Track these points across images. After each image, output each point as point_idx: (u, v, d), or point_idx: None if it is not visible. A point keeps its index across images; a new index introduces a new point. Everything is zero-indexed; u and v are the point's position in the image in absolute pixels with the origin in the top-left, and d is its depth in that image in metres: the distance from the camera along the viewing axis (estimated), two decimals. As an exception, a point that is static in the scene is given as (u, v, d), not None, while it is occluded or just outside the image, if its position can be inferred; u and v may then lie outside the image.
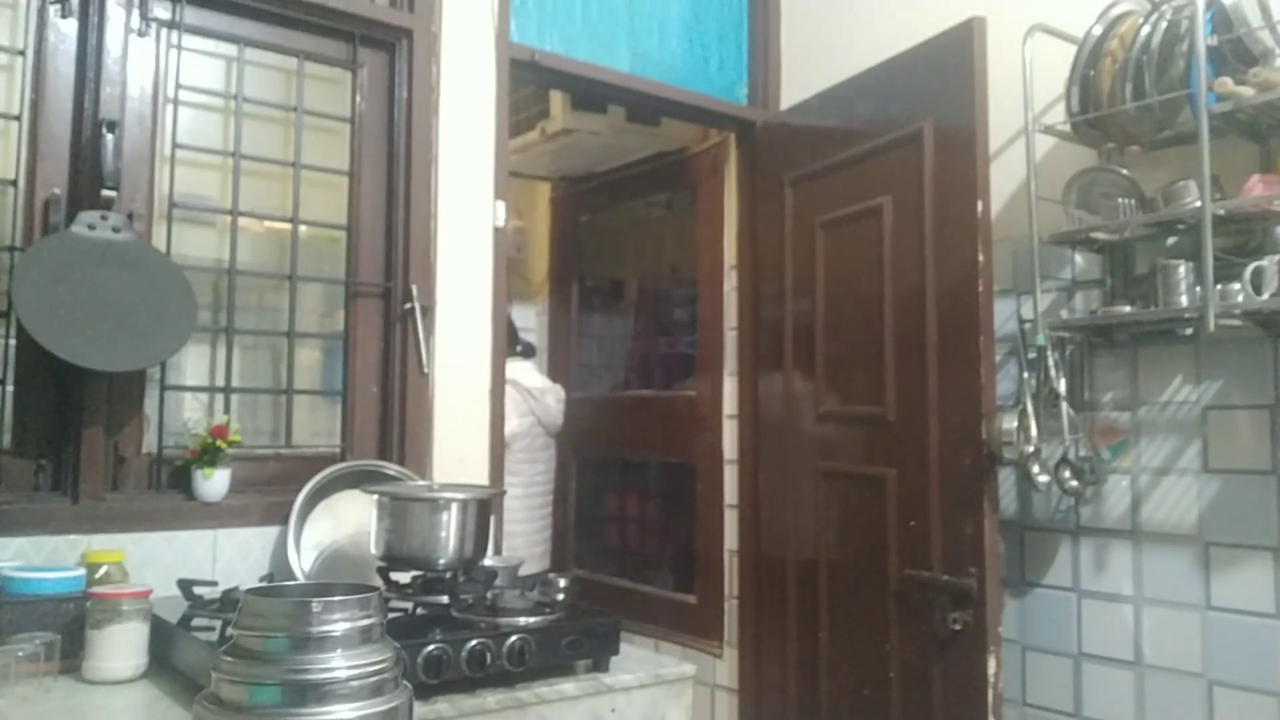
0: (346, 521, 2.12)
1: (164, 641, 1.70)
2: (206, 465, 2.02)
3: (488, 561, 1.98)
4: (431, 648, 1.57)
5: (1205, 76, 1.92)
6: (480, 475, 2.41)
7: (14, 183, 1.95)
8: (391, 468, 2.25)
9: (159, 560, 1.95)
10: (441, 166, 2.40)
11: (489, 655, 1.62)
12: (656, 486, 3.67)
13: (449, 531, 1.80)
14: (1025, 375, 2.30)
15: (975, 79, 2.25)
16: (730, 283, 3.19)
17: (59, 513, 1.89)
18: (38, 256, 1.86)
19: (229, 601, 1.71)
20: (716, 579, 3.18)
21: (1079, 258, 2.37)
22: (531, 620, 1.73)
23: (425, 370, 2.34)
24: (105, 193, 1.93)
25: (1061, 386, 2.26)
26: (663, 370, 3.73)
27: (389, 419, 2.34)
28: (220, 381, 2.17)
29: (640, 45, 2.91)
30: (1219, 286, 1.93)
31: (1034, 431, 2.22)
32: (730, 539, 3.12)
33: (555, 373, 4.10)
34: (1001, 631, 2.20)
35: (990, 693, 2.14)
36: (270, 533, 2.09)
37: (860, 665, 2.50)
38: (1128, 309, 2.15)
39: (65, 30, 2.00)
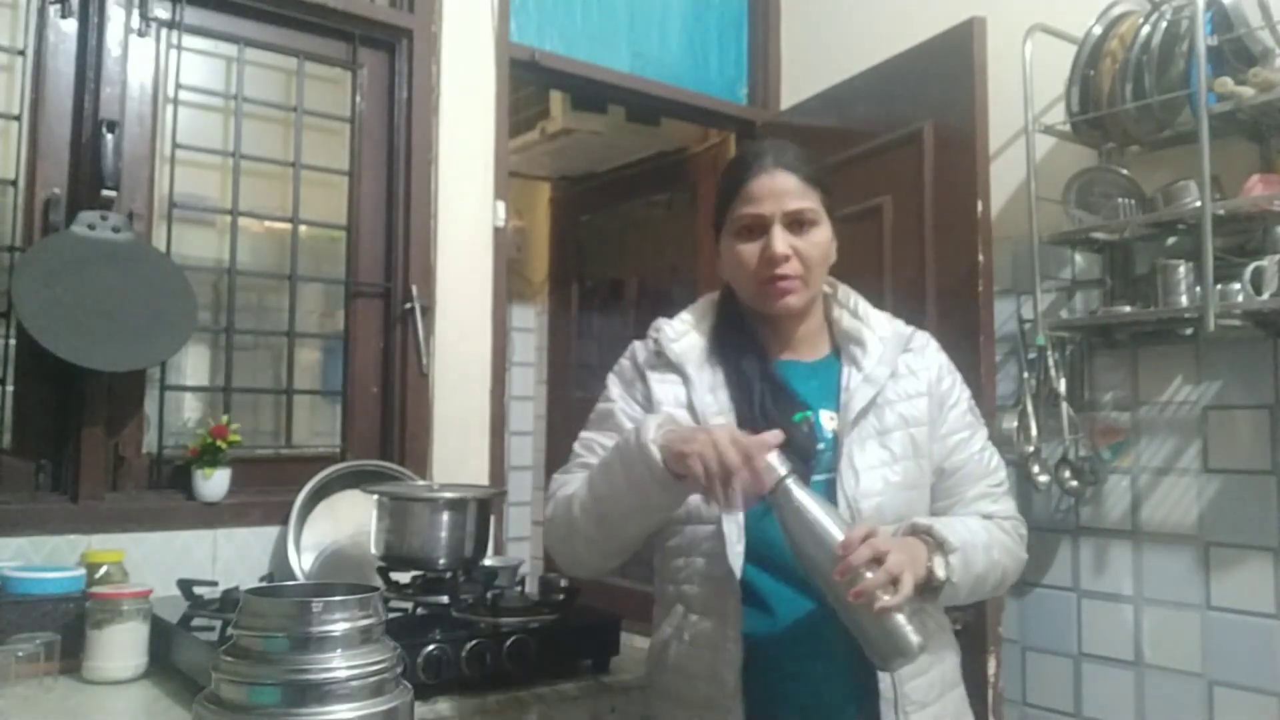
0: (346, 521, 2.12)
1: (164, 641, 1.70)
2: (206, 465, 2.02)
3: (488, 561, 1.98)
4: (431, 648, 1.56)
5: (1205, 76, 1.92)
6: (480, 475, 2.40)
7: (14, 183, 1.95)
8: (391, 468, 2.25)
9: (159, 560, 1.95)
10: (441, 166, 2.40)
11: (489, 655, 1.62)
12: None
13: (449, 531, 1.80)
14: (1025, 375, 2.30)
15: (975, 79, 2.25)
16: (730, 283, 3.18)
17: (59, 513, 1.89)
18: (38, 256, 1.86)
19: (229, 601, 1.71)
20: (716, 579, 3.16)
21: (1079, 258, 2.37)
22: (531, 620, 1.73)
23: (425, 370, 2.34)
24: (105, 193, 1.93)
25: (1061, 386, 2.26)
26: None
27: (389, 419, 2.33)
28: (220, 381, 2.17)
29: (640, 45, 2.91)
30: (1219, 286, 1.93)
31: (1034, 431, 2.22)
32: (730, 539, 3.10)
33: (555, 372, 4.10)
34: (1001, 631, 2.20)
35: (990, 693, 2.14)
36: (270, 533, 2.09)
37: (860, 665, 2.50)
38: (1128, 309, 2.15)
39: (65, 30, 2.00)
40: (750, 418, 1.36)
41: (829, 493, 1.33)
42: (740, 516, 1.30)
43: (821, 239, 1.42)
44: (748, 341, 1.46)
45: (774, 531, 1.25)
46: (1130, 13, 2.14)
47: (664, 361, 1.47)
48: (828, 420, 1.41)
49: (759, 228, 1.40)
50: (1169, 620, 2.19)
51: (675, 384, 1.45)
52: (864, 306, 1.52)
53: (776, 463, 1.19)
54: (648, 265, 3.89)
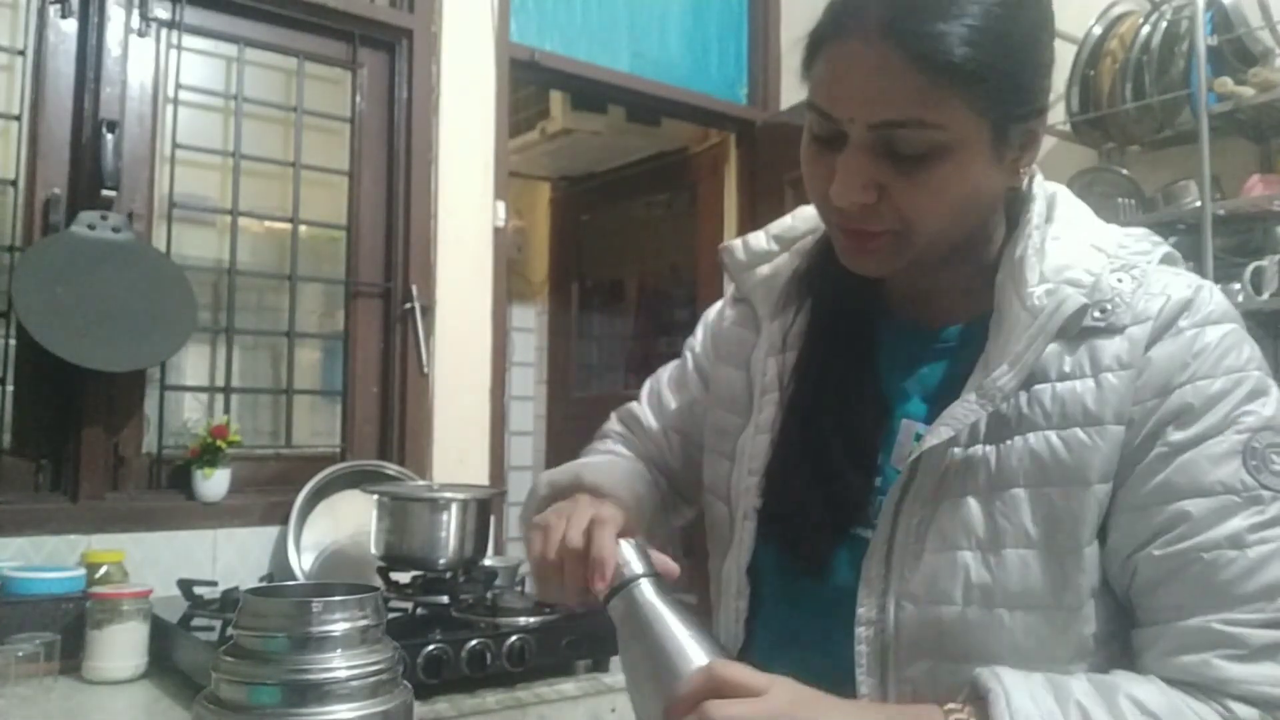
0: (346, 521, 2.12)
1: (164, 641, 1.70)
2: (206, 465, 2.02)
3: (488, 561, 1.98)
4: (431, 648, 1.56)
5: (1205, 76, 1.92)
6: (480, 475, 2.40)
7: (14, 183, 1.95)
8: (391, 468, 2.25)
9: (159, 560, 1.95)
10: (441, 166, 2.40)
11: (489, 655, 1.62)
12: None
13: (449, 531, 1.80)
14: (1025, 375, 2.29)
15: (975, 79, 2.25)
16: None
17: (59, 513, 1.89)
18: (38, 256, 1.86)
19: (229, 601, 1.71)
20: (716, 579, 3.16)
21: (1079, 258, 2.37)
22: (531, 620, 1.73)
23: (425, 370, 2.34)
24: (105, 193, 1.93)
25: (1061, 386, 2.26)
26: (663, 370, 3.73)
27: (389, 419, 2.33)
28: (220, 381, 2.17)
29: (640, 45, 2.91)
30: (1219, 286, 1.92)
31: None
32: (730, 539, 3.10)
33: (555, 372, 4.10)
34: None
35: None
36: (270, 533, 2.09)
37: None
38: (1128, 309, 2.15)
39: (65, 30, 2.00)
40: (797, 411, 0.84)
41: (853, 569, 0.77)
42: (743, 560, 0.86)
43: (949, 175, 0.73)
44: (853, 282, 0.84)
45: (805, 604, 0.83)
46: (1130, 13, 2.15)
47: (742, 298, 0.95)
48: (911, 437, 0.79)
49: (833, 139, 0.79)
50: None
51: (747, 332, 0.93)
52: (1049, 241, 0.78)
53: (630, 555, 0.82)
54: (648, 265, 3.89)
